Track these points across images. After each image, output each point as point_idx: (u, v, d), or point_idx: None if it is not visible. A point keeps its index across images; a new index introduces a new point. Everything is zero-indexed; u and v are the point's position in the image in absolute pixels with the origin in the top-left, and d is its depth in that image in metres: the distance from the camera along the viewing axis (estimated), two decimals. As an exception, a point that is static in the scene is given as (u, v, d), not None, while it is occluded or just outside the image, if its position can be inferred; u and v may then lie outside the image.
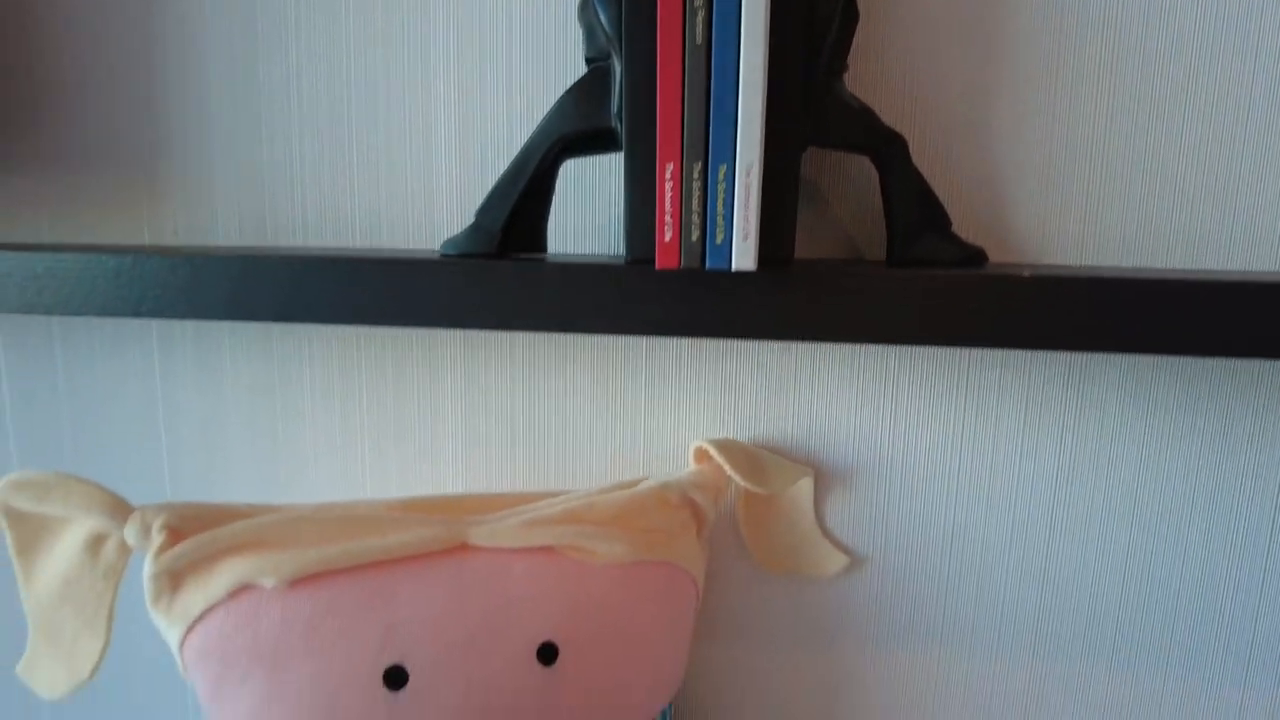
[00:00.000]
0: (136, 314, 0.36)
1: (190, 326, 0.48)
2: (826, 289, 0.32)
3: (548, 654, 0.36)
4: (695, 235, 0.31)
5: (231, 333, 0.48)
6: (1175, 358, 0.41)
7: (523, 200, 0.36)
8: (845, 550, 0.45)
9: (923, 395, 0.43)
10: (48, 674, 0.35)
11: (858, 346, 0.43)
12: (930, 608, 0.45)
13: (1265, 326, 0.29)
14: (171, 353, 0.49)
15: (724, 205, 0.30)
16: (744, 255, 0.31)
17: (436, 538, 0.36)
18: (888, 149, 0.35)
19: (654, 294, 0.33)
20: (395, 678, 0.33)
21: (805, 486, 0.44)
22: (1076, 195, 0.40)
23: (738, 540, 0.46)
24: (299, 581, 0.34)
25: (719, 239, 0.31)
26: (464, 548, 0.36)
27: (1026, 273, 0.32)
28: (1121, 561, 0.43)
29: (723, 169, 0.30)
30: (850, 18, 0.35)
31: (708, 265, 0.31)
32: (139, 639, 0.52)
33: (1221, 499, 0.41)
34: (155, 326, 0.49)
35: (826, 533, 0.45)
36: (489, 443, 0.47)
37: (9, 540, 0.34)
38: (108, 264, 0.36)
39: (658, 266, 0.32)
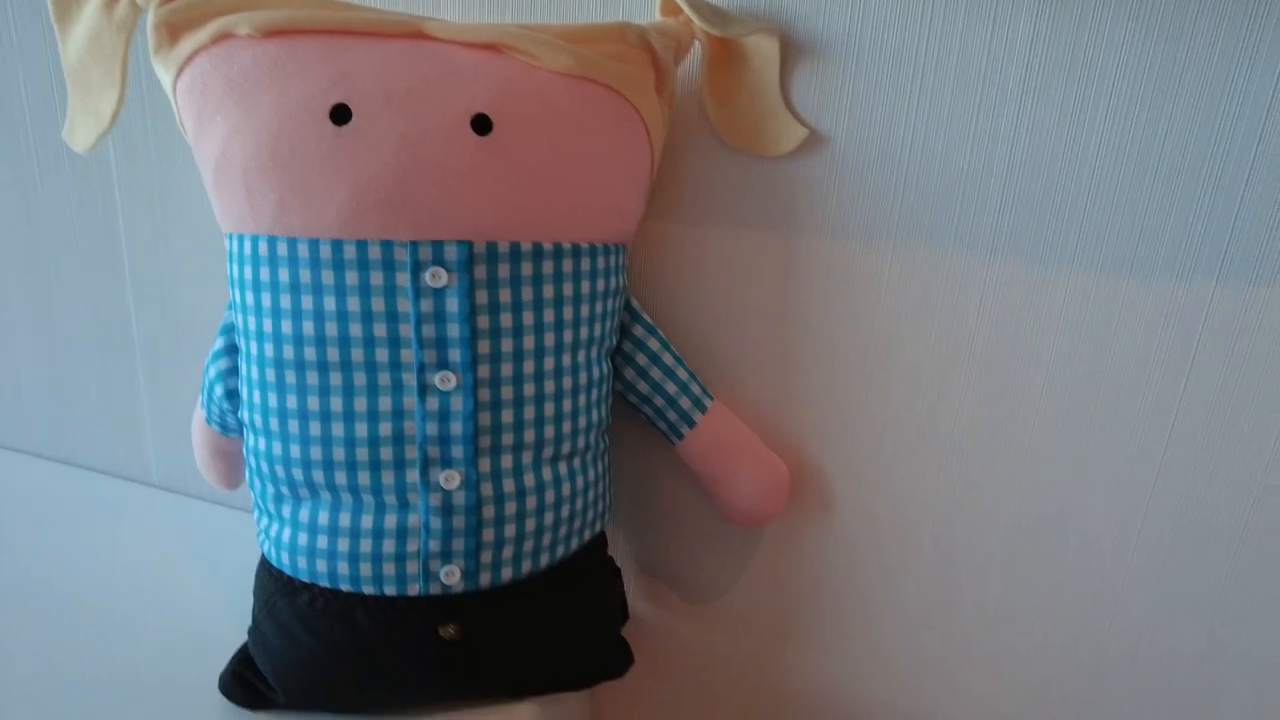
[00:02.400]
0: None
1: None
2: None
3: (481, 124, 0.39)
4: None
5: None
6: None
7: None
8: (806, 125, 0.46)
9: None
10: (81, 130, 0.42)
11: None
12: (890, 199, 0.45)
13: None
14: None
15: None
16: None
17: (395, 22, 0.40)
18: None
19: None
20: (340, 115, 0.38)
21: (771, 53, 0.45)
22: None
23: (703, 119, 0.48)
24: (270, 33, 0.39)
25: None
26: (419, 34, 0.40)
27: None
28: (1097, 142, 0.41)
29: None
30: None
31: None
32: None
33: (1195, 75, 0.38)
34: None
35: (790, 106, 0.46)
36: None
37: (50, 9, 0.42)
38: None
39: None
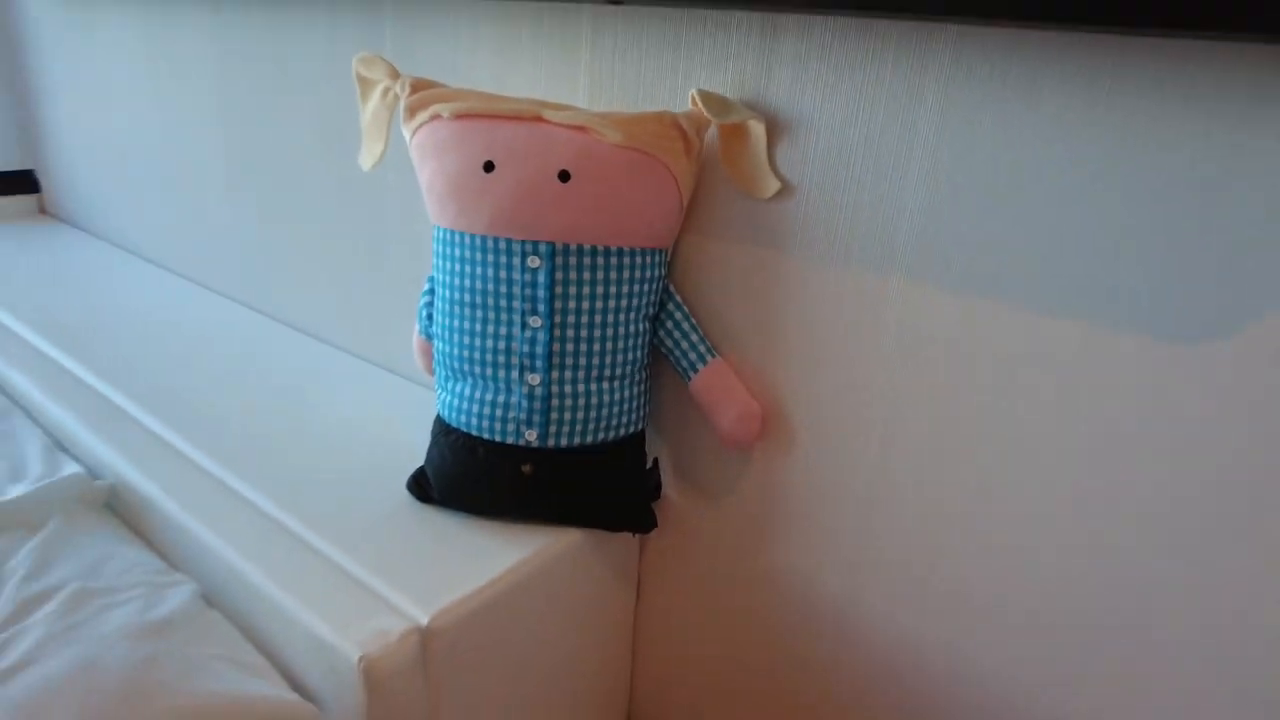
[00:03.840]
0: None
1: None
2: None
3: (564, 176, 0.68)
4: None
5: None
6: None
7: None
8: (782, 180, 0.70)
9: (837, 69, 0.65)
10: (366, 159, 0.77)
11: (800, 39, 0.66)
12: (833, 228, 0.68)
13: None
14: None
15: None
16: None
17: (524, 110, 0.70)
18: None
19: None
20: (488, 167, 0.69)
21: (760, 132, 0.69)
22: None
23: (722, 175, 0.73)
24: (457, 116, 0.70)
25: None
26: (538, 118, 0.70)
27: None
28: (967, 193, 0.61)
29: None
30: None
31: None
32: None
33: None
34: None
35: (773, 165, 0.70)
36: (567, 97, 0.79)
37: (357, 87, 0.76)
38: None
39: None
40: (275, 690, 0.66)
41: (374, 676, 0.63)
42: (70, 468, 0.87)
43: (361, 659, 0.63)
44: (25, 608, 0.65)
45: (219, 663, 0.65)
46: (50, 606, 0.66)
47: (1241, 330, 0.51)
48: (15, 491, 0.80)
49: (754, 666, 0.86)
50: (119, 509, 0.87)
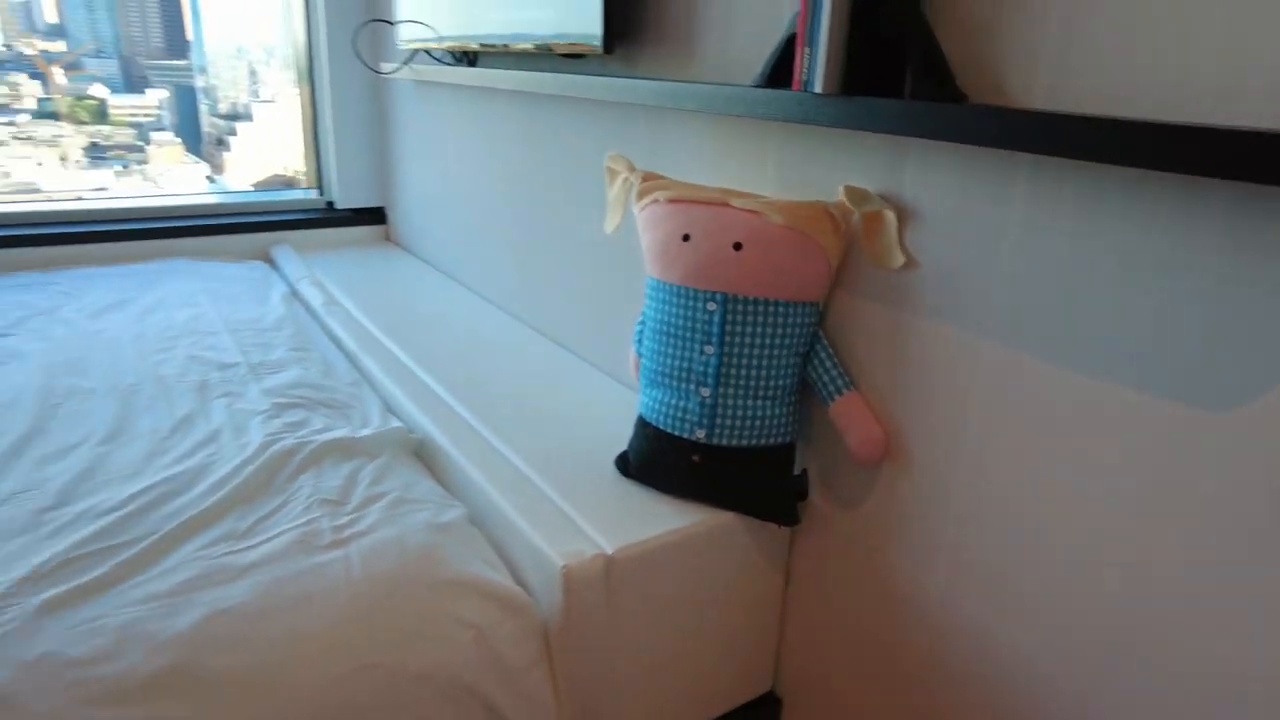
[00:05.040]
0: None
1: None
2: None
3: (738, 246, 0.95)
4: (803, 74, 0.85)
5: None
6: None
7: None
8: (908, 255, 0.91)
9: (949, 175, 0.85)
10: (610, 225, 1.10)
11: (923, 152, 0.87)
12: (946, 295, 0.88)
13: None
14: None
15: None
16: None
17: (717, 197, 0.98)
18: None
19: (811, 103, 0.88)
20: (685, 238, 0.98)
21: (892, 218, 0.91)
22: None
23: (859, 250, 0.96)
24: (669, 200, 1.00)
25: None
26: (725, 204, 0.97)
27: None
28: (1048, 265, 0.79)
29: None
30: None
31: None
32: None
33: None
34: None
35: (902, 244, 0.91)
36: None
37: (606, 176, 1.09)
38: (650, 88, 1.06)
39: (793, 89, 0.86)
40: (506, 581, 0.98)
41: (571, 581, 0.93)
42: (395, 423, 1.28)
43: (564, 567, 0.93)
44: (369, 500, 1.04)
45: (474, 557, 0.99)
46: (382, 503, 1.04)
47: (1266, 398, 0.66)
48: (364, 433, 1.21)
49: (881, 648, 1.05)
50: (422, 454, 1.26)
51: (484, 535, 1.07)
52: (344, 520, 1.00)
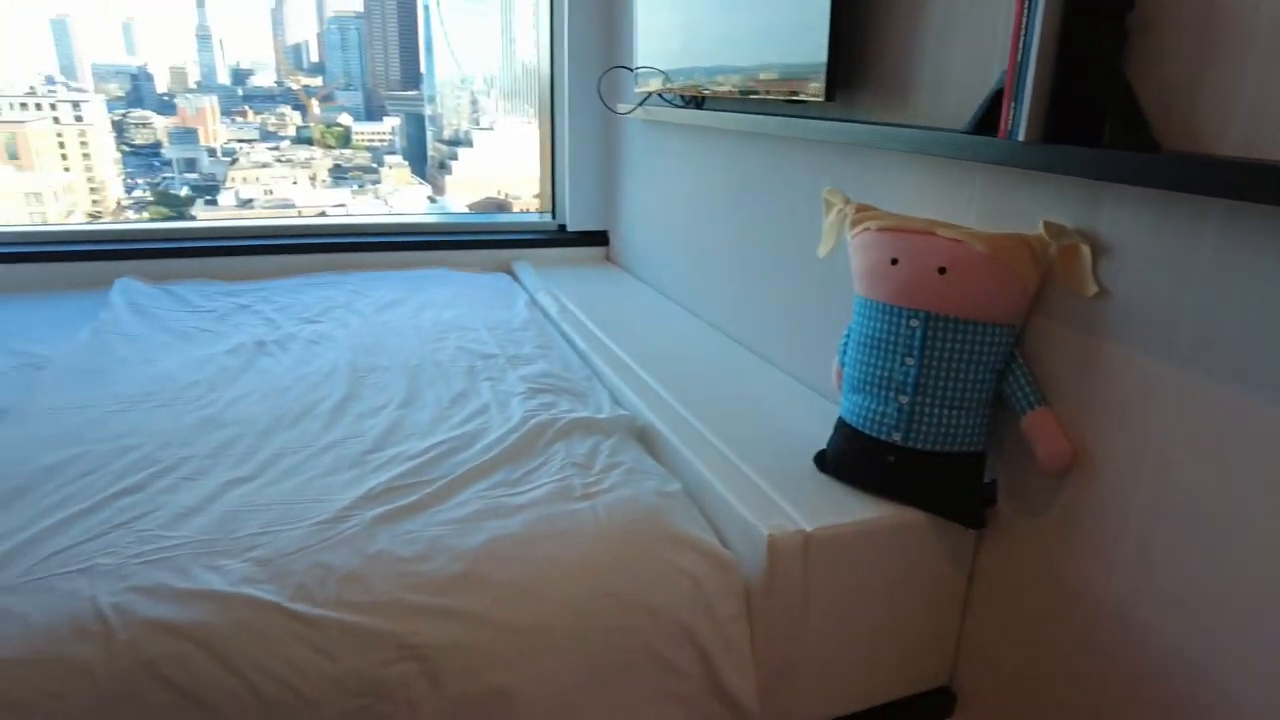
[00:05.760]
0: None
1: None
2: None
3: (942, 270, 1.10)
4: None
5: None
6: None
7: (982, 115, 1.08)
8: (1100, 284, 1.02)
9: (1142, 211, 0.96)
10: (823, 250, 1.28)
11: (1121, 190, 0.98)
12: (1140, 322, 0.98)
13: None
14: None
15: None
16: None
17: (923, 226, 1.13)
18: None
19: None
20: (893, 262, 1.13)
21: (1086, 251, 1.02)
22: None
23: (1055, 278, 1.07)
24: (879, 229, 1.16)
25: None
26: (931, 233, 1.12)
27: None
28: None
29: (1016, 102, 0.97)
30: None
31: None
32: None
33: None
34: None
35: (1095, 273, 1.02)
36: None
37: (823, 206, 1.27)
38: (867, 132, 1.23)
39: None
40: (715, 542, 1.17)
41: (774, 549, 1.11)
42: (622, 411, 1.52)
43: (769, 535, 1.11)
44: (608, 467, 1.28)
45: (690, 521, 1.20)
46: (618, 471, 1.27)
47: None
48: (601, 415, 1.45)
49: (1058, 653, 1.15)
50: (644, 439, 1.48)
51: (695, 504, 1.27)
52: (590, 480, 1.23)
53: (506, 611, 1.03)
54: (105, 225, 2.64)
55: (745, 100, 1.73)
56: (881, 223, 1.17)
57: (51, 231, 2.43)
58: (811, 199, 1.58)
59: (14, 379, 1.61)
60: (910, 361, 1.14)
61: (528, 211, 2.90)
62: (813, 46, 1.39)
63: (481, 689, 1.00)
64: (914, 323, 1.12)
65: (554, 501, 1.18)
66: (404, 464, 1.26)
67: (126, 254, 2.34)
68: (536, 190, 2.84)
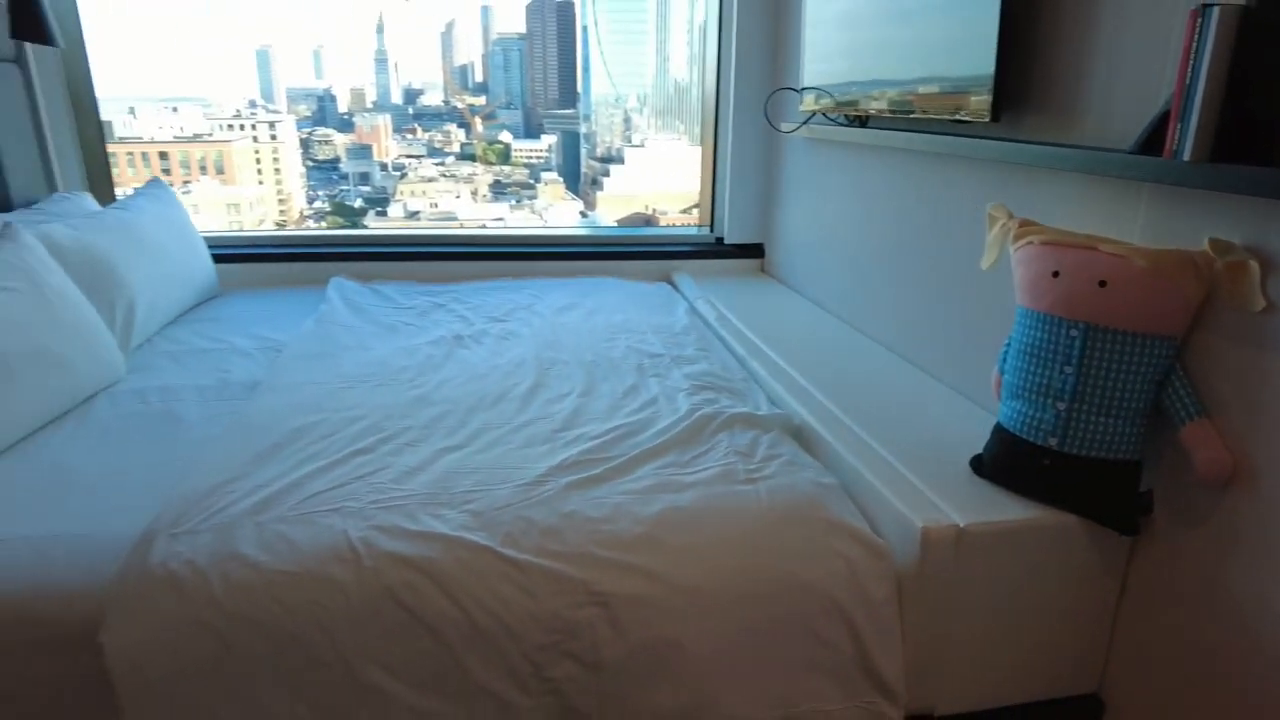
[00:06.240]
0: None
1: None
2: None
3: (1102, 284, 1.16)
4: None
5: (1077, 188, 1.36)
6: None
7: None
8: (1268, 299, 1.05)
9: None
10: (984, 262, 1.35)
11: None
12: (1303, 338, 1.01)
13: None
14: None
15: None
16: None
17: (1085, 241, 1.19)
18: None
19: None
20: (1055, 275, 1.20)
21: (1255, 267, 1.06)
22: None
23: (1219, 294, 1.11)
24: (1041, 243, 1.23)
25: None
26: (1093, 248, 1.18)
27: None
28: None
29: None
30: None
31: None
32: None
33: None
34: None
35: (1264, 289, 1.06)
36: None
37: (986, 221, 1.35)
38: None
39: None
40: (869, 530, 1.27)
41: (928, 539, 1.20)
42: (779, 410, 1.64)
43: (922, 527, 1.20)
44: (769, 457, 1.40)
45: (845, 511, 1.30)
46: (779, 461, 1.39)
47: None
48: (761, 412, 1.58)
49: (1214, 668, 1.17)
50: (799, 437, 1.59)
51: (850, 497, 1.38)
52: (753, 467, 1.37)
53: (680, 572, 1.17)
54: (319, 231, 3.03)
55: (907, 118, 1.82)
56: (1044, 237, 1.24)
57: (276, 236, 2.82)
58: (972, 214, 1.64)
59: (259, 359, 1.92)
60: (1069, 370, 1.20)
61: (672, 226, 3.08)
62: (979, 58, 1.46)
63: (655, 638, 1.15)
64: (1074, 333, 1.19)
65: (720, 482, 1.32)
66: (588, 442, 1.44)
67: (331, 256, 2.68)
68: (683, 205, 3.01)
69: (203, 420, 1.59)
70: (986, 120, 1.46)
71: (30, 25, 2.03)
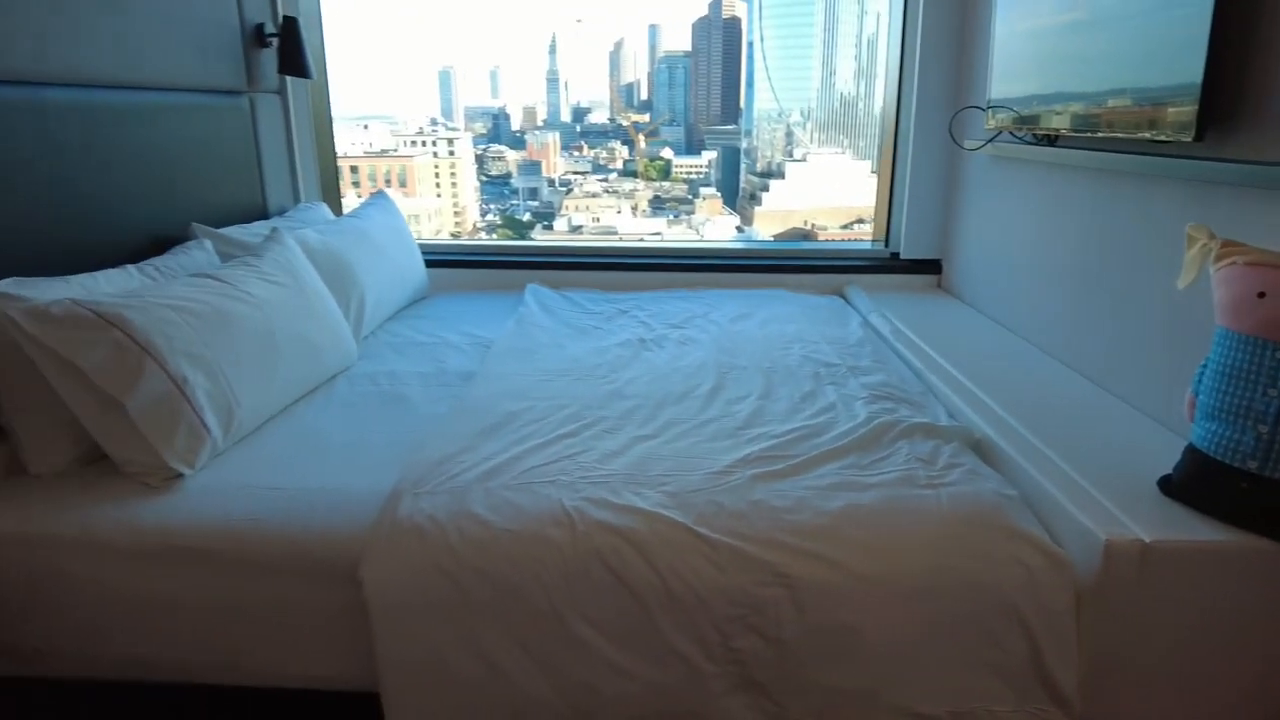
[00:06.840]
0: None
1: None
2: None
3: (1260, 295, 1.15)
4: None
5: None
6: None
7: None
8: None
9: None
10: (1181, 281, 1.36)
11: None
12: None
13: None
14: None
15: None
16: None
17: (1206, 247, 1.19)
18: None
19: None
20: (1261, 295, 1.20)
21: None
22: None
23: None
24: (1248, 263, 1.23)
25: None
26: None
27: None
28: None
29: None
30: None
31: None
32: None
33: None
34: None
35: None
36: None
37: (1186, 241, 1.35)
38: None
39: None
40: (1050, 541, 1.31)
41: (1110, 553, 1.22)
42: (957, 423, 1.69)
43: (1106, 540, 1.23)
44: (950, 466, 1.46)
45: (1026, 521, 1.34)
46: (959, 470, 1.45)
47: None
48: (942, 423, 1.64)
49: None
50: (979, 450, 1.63)
51: (1029, 507, 1.41)
52: (934, 474, 1.43)
53: (861, 563, 1.26)
54: (515, 243, 3.33)
55: (1093, 136, 1.82)
56: (1249, 258, 1.24)
57: (475, 245, 3.12)
58: (1165, 233, 1.63)
59: (471, 353, 2.17)
60: (1273, 393, 1.19)
61: (833, 240, 3.12)
62: (1184, 65, 1.43)
63: (836, 622, 1.24)
64: (1279, 355, 1.18)
65: (901, 485, 1.39)
66: (770, 440, 1.55)
67: (520, 265, 2.94)
68: (845, 220, 3.06)
69: (426, 401, 1.83)
70: (1190, 138, 1.45)
71: (294, 61, 2.39)
